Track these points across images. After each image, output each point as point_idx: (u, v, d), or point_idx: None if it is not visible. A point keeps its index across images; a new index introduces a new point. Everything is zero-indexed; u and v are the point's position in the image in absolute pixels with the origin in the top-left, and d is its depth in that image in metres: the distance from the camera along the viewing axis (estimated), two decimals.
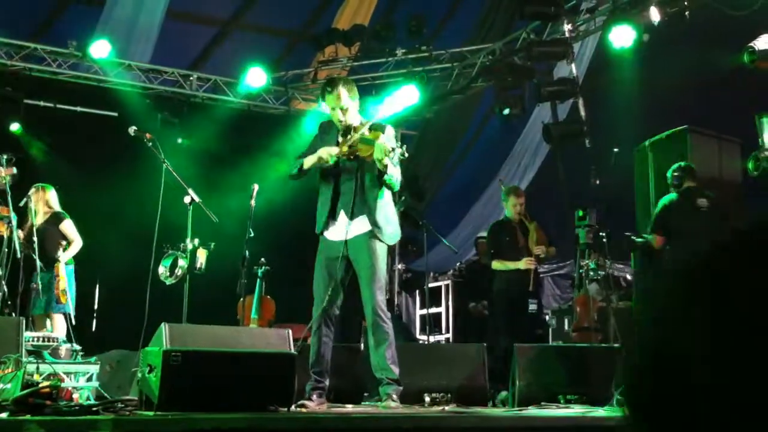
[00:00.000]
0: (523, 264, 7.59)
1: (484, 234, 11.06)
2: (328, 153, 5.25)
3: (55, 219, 8.06)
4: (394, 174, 5.20)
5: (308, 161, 5.35)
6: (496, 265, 7.80)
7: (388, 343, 5.34)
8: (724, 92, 9.42)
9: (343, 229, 5.30)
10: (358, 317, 7.75)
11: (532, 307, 7.64)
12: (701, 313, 0.66)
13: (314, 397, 5.19)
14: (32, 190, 7.94)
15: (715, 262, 0.70)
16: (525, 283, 7.61)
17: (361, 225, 5.28)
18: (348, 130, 5.33)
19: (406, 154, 5.17)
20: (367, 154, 5.14)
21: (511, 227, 7.90)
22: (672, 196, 7.00)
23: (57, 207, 8.16)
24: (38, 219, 7.82)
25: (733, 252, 0.69)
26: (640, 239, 7.28)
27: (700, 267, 0.71)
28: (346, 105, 5.33)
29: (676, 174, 7.08)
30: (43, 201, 8.03)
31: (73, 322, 7.54)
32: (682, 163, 7.23)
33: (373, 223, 5.25)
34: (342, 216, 5.32)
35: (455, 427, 4.55)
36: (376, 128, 5.33)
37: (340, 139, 5.38)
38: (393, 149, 5.03)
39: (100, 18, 10.43)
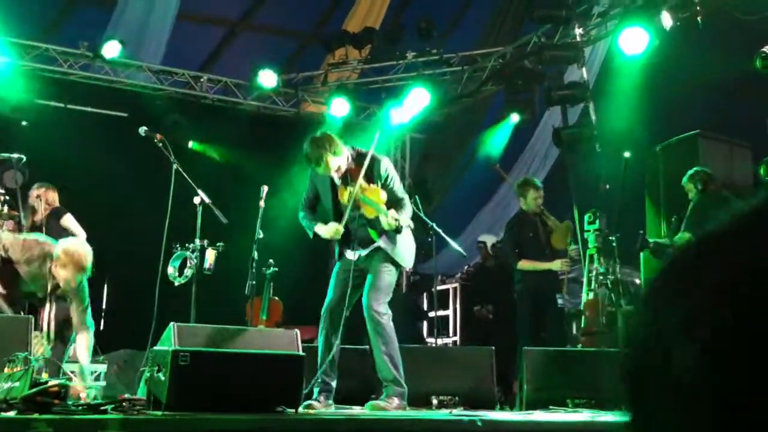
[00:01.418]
0: (557, 265, 7.41)
1: (484, 238, 11.02)
2: (336, 231, 5.49)
3: (55, 215, 8.06)
4: (405, 220, 5.47)
5: (319, 232, 5.57)
6: (524, 265, 7.48)
7: (384, 344, 5.38)
8: (736, 97, 9.38)
9: (357, 254, 5.59)
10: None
11: (561, 301, 7.53)
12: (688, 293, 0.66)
13: (321, 398, 5.19)
14: (35, 187, 7.97)
15: (713, 242, 0.70)
16: (556, 285, 7.47)
17: (376, 247, 5.56)
18: (345, 177, 5.51)
19: (411, 225, 5.59)
20: (372, 216, 5.42)
21: (531, 222, 7.64)
22: (704, 197, 6.97)
23: (57, 204, 8.17)
24: (37, 217, 7.85)
25: (733, 233, 0.69)
26: (660, 241, 7.25)
27: (695, 247, 0.71)
28: (336, 165, 5.45)
29: (699, 178, 7.05)
30: (44, 198, 8.04)
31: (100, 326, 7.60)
32: (702, 168, 7.21)
33: (388, 246, 5.50)
34: (356, 247, 5.61)
35: (462, 430, 4.54)
36: (370, 174, 5.47)
37: (338, 183, 5.55)
38: (397, 220, 5.30)
39: (111, 19, 10.47)
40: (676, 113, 9.88)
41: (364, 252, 5.56)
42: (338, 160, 5.43)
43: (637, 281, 9.75)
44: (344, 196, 5.47)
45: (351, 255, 5.61)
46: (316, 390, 5.24)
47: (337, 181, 5.55)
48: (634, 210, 8.38)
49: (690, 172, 7.19)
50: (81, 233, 8.10)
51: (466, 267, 11.96)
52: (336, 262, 5.71)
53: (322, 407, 5.10)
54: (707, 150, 7.77)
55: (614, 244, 7.34)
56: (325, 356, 5.34)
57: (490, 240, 10.98)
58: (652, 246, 7.35)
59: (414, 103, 10.62)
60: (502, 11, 11.71)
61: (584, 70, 9.71)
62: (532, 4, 9.70)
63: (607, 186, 8.78)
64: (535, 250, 7.50)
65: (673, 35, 8.53)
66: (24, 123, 9.49)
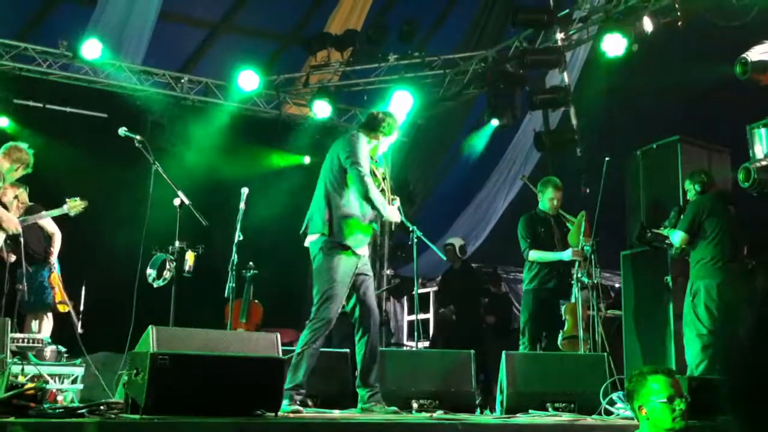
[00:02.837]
0: (569, 255, 7.39)
1: (452, 241, 11.03)
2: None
3: (31, 213, 7.97)
4: None
5: (381, 207, 5.56)
6: (534, 255, 7.55)
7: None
8: (715, 103, 9.44)
9: (366, 247, 5.67)
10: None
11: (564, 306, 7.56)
12: None
13: (299, 404, 5.21)
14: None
15: None
16: (564, 278, 7.47)
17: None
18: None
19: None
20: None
21: (545, 220, 7.69)
22: (704, 199, 7.03)
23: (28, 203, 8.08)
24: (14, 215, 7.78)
25: None
26: (657, 231, 7.31)
27: None
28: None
29: (700, 179, 7.11)
30: (21, 198, 7.95)
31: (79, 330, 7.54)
32: (703, 170, 7.31)
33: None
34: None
35: None
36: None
37: (374, 168, 5.71)
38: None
39: (92, 18, 10.38)
40: (656, 118, 9.94)
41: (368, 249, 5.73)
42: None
43: (617, 285, 9.80)
44: (378, 175, 5.69)
45: (365, 250, 5.67)
46: (298, 398, 5.24)
47: (374, 162, 5.71)
48: (614, 214, 8.41)
49: (691, 172, 7.28)
50: (58, 233, 8.02)
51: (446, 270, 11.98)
52: (342, 258, 5.50)
53: (304, 412, 5.10)
54: (687, 155, 7.81)
55: (594, 248, 7.36)
56: (313, 367, 5.41)
57: (458, 243, 10.99)
58: (650, 236, 7.42)
59: (399, 106, 10.63)
60: (484, 15, 11.74)
61: (565, 74, 9.75)
62: (514, 9, 9.72)
63: (588, 190, 8.81)
64: (547, 247, 7.55)
65: (654, 41, 8.57)
66: None
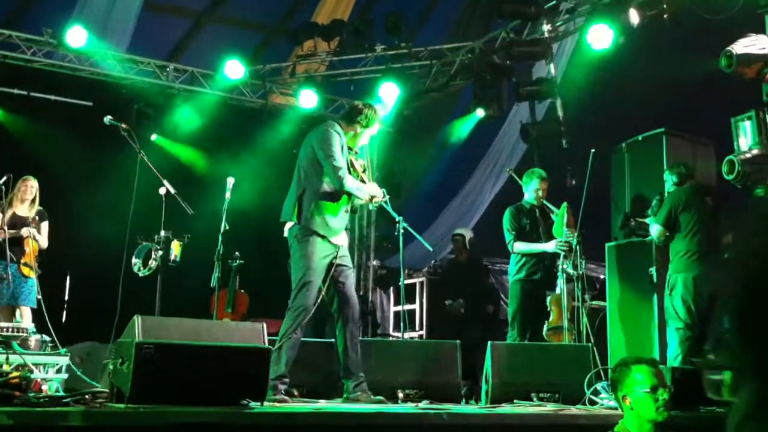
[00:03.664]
0: (553, 246, 7.38)
1: (461, 231, 11.05)
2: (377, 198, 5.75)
3: (41, 217, 7.97)
4: None
5: (357, 192, 5.58)
6: (519, 247, 7.53)
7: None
8: (700, 96, 9.49)
9: (343, 236, 5.66)
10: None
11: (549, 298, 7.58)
12: None
13: (283, 394, 5.22)
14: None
15: None
16: (549, 269, 7.47)
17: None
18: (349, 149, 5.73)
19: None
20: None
21: (530, 211, 7.69)
22: (680, 191, 7.07)
23: None
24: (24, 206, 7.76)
25: None
26: (641, 220, 7.37)
27: None
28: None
29: (678, 171, 7.15)
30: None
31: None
32: (682, 162, 7.34)
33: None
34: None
35: (427, 423, 4.55)
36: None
37: (354, 160, 5.72)
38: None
39: (76, 6, 10.30)
40: (642, 110, 9.97)
41: (347, 240, 5.70)
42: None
43: (602, 277, 9.84)
44: (357, 167, 5.68)
45: (342, 240, 5.64)
46: (282, 387, 5.24)
47: (352, 153, 5.73)
48: (599, 206, 8.44)
49: (671, 164, 7.33)
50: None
51: (433, 261, 12.00)
52: (316, 245, 5.47)
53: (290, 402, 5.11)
54: (672, 147, 7.85)
55: (579, 239, 7.39)
56: (295, 357, 5.42)
57: (468, 234, 11.00)
58: (634, 225, 7.47)
59: (385, 97, 10.62)
60: (471, 6, 11.73)
61: (552, 66, 9.76)
62: (501, 0, 9.72)
63: (573, 182, 8.84)
64: (531, 239, 7.55)
65: (640, 32, 8.59)
66: None
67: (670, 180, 7.21)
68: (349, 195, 5.55)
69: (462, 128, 11.57)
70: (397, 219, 7.28)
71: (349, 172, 5.59)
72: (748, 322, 0.72)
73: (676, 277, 6.87)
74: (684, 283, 6.79)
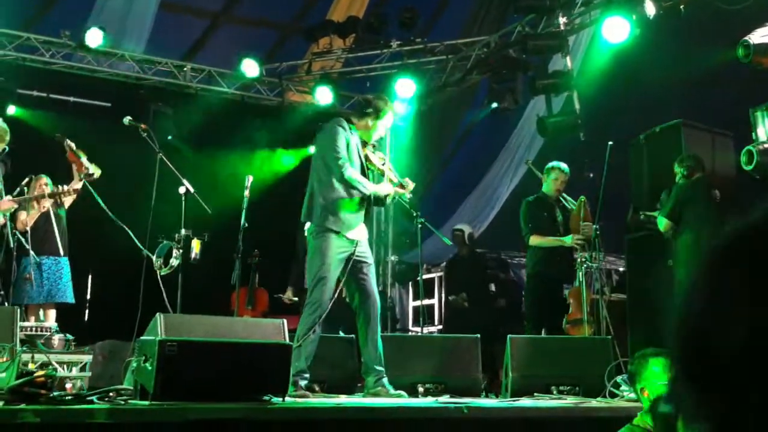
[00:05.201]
0: (570, 240, 7.38)
1: (461, 226, 11.04)
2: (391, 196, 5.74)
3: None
4: None
5: (359, 185, 5.53)
6: (535, 240, 7.53)
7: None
8: (718, 86, 9.43)
9: (360, 231, 5.63)
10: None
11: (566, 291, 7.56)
12: (740, 282, 0.69)
13: (304, 390, 5.27)
14: (27, 179, 7.89)
15: (754, 238, 0.73)
16: (567, 263, 7.45)
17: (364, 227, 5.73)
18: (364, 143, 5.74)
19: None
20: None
21: (548, 204, 7.67)
22: (687, 184, 7.04)
23: None
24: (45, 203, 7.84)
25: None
26: (649, 213, 7.34)
27: (737, 242, 0.73)
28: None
29: (687, 164, 7.12)
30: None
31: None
32: (692, 154, 7.30)
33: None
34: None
35: (448, 417, 4.57)
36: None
37: (371, 154, 5.70)
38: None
39: (94, 8, 10.39)
40: (659, 102, 9.93)
41: (365, 235, 5.70)
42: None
43: (621, 269, 9.81)
44: (375, 160, 5.69)
45: (360, 234, 5.63)
46: (303, 383, 5.29)
47: (369, 147, 5.74)
48: (617, 198, 8.43)
49: (681, 156, 7.29)
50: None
51: (451, 255, 11.99)
52: (331, 241, 5.49)
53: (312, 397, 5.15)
54: (690, 139, 7.81)
55: (598, 232, 7.39)
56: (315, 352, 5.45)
57: (467, 229, 11.01)
58: (643, 218, 7.45)
59: (401, 93, 10.64)
60: (486, 1, 11.71)
61: (568, 59, 9.73)
62: None
63: (591, 174, 8.82)
64: (550, 231, 7.53)
65: (657, 24, 8.56)
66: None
67: (679, 172, 7.18)
68: (352, 186, 5.55)
69: (479, 123, 11.57)
70: (415, 214, 7.31)
71: (366, 167, 5.62)
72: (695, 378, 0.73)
73: (681, 270, 6.85)
74: (689, 275, 6.76)
